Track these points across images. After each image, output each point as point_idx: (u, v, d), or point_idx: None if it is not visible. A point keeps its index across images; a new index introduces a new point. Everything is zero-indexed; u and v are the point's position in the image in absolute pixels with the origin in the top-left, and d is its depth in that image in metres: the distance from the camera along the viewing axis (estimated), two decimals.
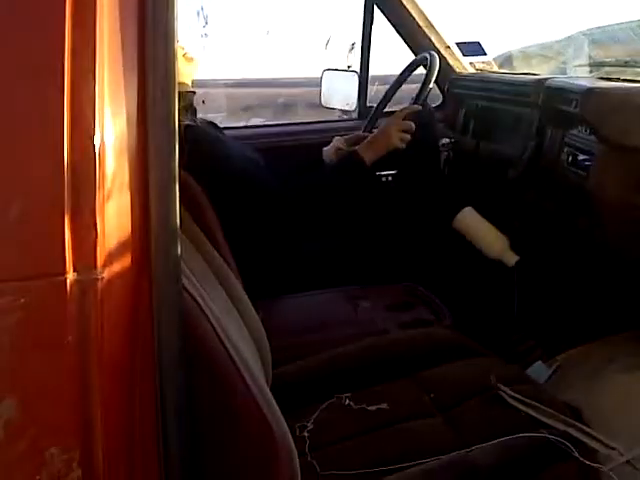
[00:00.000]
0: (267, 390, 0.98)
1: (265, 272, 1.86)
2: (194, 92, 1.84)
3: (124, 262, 0.73)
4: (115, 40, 0.71)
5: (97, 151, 0.69)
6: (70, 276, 0.69)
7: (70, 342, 0.69)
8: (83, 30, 0.69)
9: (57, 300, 0.69)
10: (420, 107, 1.93)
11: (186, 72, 1.82)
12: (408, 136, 1.85)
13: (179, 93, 1.66)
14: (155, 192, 0.75)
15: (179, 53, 1.81)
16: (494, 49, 2.88)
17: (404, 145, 1.84)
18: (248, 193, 1.72)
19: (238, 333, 1.17)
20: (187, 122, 1.70)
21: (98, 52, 0.70)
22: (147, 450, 0.78)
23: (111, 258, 0.71)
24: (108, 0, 0.70)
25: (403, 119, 1.87)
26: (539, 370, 1.66)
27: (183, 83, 1.80)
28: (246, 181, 1.73)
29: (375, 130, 2.02)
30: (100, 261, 0.70)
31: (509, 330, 1.93)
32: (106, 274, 0.71)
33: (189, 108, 1.84)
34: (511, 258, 1.92)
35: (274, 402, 0.99)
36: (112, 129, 0.71)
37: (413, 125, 1.86)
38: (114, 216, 0.72)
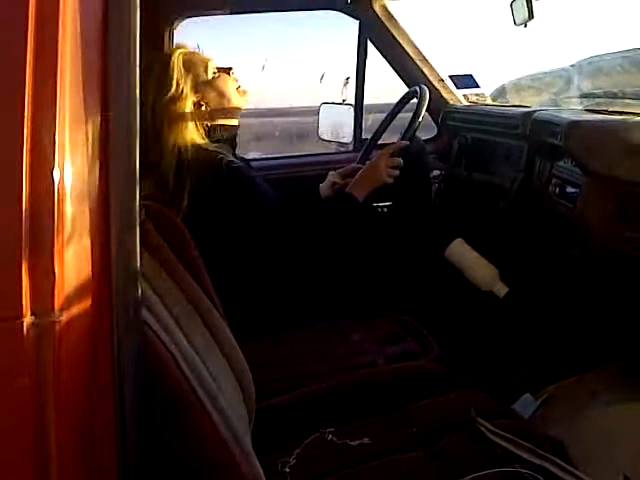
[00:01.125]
0: (239, 429, 0.98)
1: (260, 310, 1.87)
2: (238, 126, 1.91)
3: (83, 305, 0.74)
4: (77, 78, 0.72)
5: (56, 193, 0.70)
6: (27, 319, 0.69)
7: (26, 385, 0.70)
8: (44, 67, 0.69)
9: (14, 343, 0.69)
10: (407, 143, 1.94)
11: (238, 105, 1.88)
12: (396, 172, 1.87)
13: (226, 126, 1.67)
14: (116, 235, 0.75)
15: (233, 86, 1.87)
16: (490, 82, 2.91)
17: (392, 180, 1.86)
18: (272, 239, 1.77)
19: (218, 370, 1.17)
20: (230, 159, 1.75)
21: (59, 91, 0.70)
22: None
23: (70, 301, 0.72)
24: (70, 37, 0.71)
25: (391, 155, 1.88)
26: (527, 403, 1.65)
27: (233, 116, 1.88)
28: (273, 228, 1.77)
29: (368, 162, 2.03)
30: (58, 304, 0.71)
31: (499, 362, 1.92)
32: (64, 317, 0.71)
33: (232, 142, 1.90)
34: (502, 289, 1.92)
35: (246, 441, 0.99)
36: (72, 171, 0.71)
37: (401, 161, 1.88)
38: (73, 259, 0.72)
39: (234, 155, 1.88)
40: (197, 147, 1.75)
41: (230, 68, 1.90)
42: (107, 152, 0.74)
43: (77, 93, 0.72)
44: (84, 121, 0.73)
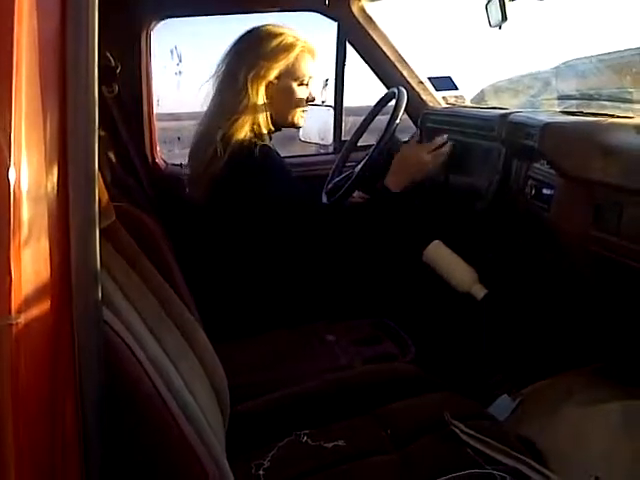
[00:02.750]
0: (209, 434, 0.97)
1: (237, 310, 1.87)
2: None
3: (42, 307, 0.72)
4: (34, 77, 0.71)
5: (12, 195, 0.69)
6: None
7: None
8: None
9: None
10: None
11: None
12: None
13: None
14: (75, 236, 0.74)
15: None
16: (470, 84, 2.91)
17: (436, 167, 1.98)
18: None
19: (191, 372, 1.16)
20: (264, 143, 1.85)
21: (15, 88, 0.69)
22: None
23: (28, 304, 0.71)
24: (27, 34, 0.70)
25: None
26: (504, 404, 1.65)
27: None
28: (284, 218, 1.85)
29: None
30: (15, 307, 0.70)
31: (477, 364, 1.91)
32: (22, 320, 0.70)
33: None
34: (480, 291, 1.91)
35: (216, 444, 0.98)
36: (29, 170, 0.70)
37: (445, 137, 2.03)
38: (31, 261, 0.71)
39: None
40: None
41: None
42: (66, 152, 0.73)
43: (34, 92, 0.71)
44: (42, 120, 0.72)
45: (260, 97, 1.87)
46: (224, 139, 1.81)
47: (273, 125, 1.94)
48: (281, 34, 1.91)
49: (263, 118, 1.89)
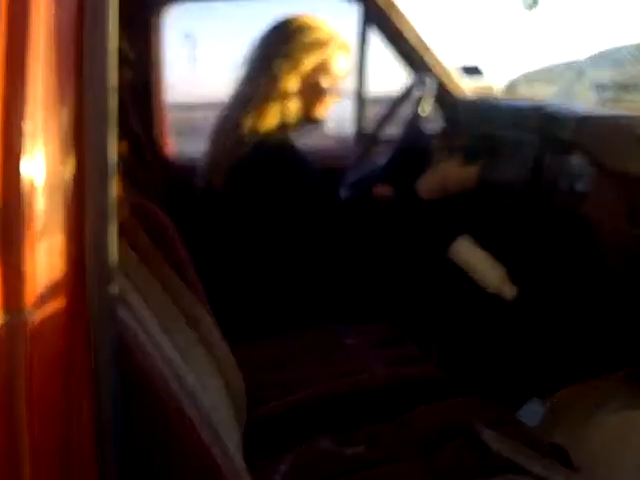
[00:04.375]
0: (224, 436, 0.99)
1: (253, 309, 1.89)
2: None
3: (57, 303, 0.74)
4: (50, 67, 0.72)
5: (27, 186, 0.71)
6: None
7: None
8: (15, 56, 0.70)
9: None
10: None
11: None
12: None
13: None
14: (91, 230, 0.76)
15: None
16: (498, 74, 2.91)
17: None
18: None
19: (203, 374, 1.18)
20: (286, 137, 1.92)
21: (31, 80, 0.71)
22: None
23: (43, 299, 0.73)
24: (43, 21, 0.71)
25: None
26: (533, 410, 1.66)
27: None
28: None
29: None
30: (30, 302, 0.71)
31: (505, 367, 1.92)
32: (37, 315, 0.72)
33: None
34: (509, 290, 1.91)
35: (231, 446, 1.00)
36: (44, 163, 0.72)
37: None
38: (46, 256, 0.73)
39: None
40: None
41: None
42: (82, 143, 0.75)
43: (50, 82, 0.73)
44: (57, 110, 0.73)
45: (291, 88, 1.92)
46: (250, 127, 1.85)
47: (299, 118, 1.97)
48: (318, 28, 1.96)
49: (291, 110, 1.93)
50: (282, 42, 1.94)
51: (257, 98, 1.90)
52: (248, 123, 1.87)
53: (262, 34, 1.99)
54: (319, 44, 1.94)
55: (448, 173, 2.02)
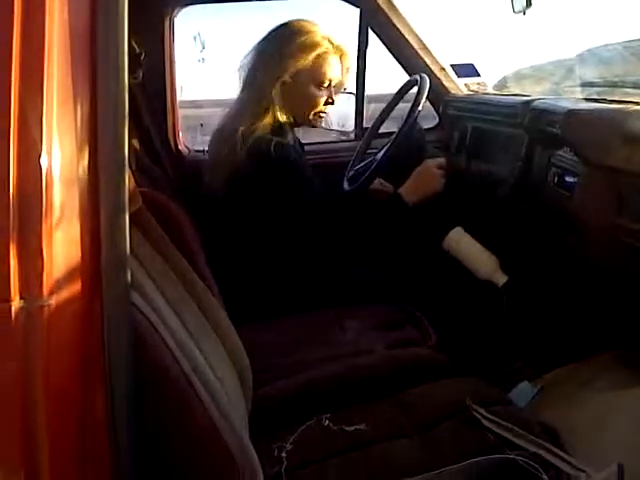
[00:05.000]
0: (233, 415, 0.98)
1: (259, 292, 1.89)
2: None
3: (73, 289, 0.74)
4: (65, 64, 0.72)
5: (44, 178, 0.70)
6: (16, 303, 0.70)
7: (15, 369, 0.70)
8: (31, 53, 0.70)
9: (2, 327, 0.69)
10: (444, 160, 2.02)
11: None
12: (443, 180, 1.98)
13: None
14: (105, 219, 0.75)
15: None
16: (492, 72, 2.90)
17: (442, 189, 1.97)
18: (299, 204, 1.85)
19: (214, 354, 1.17)
20: (279, 139, 1.83)
21: (47, 76, 0.70)
22: (100, 475, 0.78)
23: (59, 285, 0.72)
24: (58, 20, 0.71)
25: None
26: (524, 391, 1.65)
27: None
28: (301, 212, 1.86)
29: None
30: (47, 288, 0.71)
31: (497, 350, 1.91)
32: (54, 301, 0.72)
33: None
34: (501, 278, 1.91)
35: (239, 426, 0.99)
36: (60, 156, 0.72)
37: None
38: (62, 243, 0.72)
39: (293, 139, 2.00)
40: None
41: None
42: (96, 137, 0.74)
43: (66, 81, 0.72)
44: (73, 105, 0.73)
45: (275, 96, 1.86)
46: (243, 134, 1.81)
47: (292, 122, 1.95)
48: (307, 32, 1.88)
49: (281, 116, 1.88)
50: (267, 48, 1.89)
51: (248, 107, 1.86)
52: (241, 132, 1.82)
53: (258, 40, 1.94)
54: (303, 48, 1.86)
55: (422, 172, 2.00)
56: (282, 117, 1.89)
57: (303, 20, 1.93)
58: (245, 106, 1.88)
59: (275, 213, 1.86)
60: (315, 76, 1.91)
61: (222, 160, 1.87)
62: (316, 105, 1.95)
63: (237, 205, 1.88)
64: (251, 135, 1.81)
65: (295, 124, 1.99)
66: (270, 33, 1.93)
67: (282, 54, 1.86)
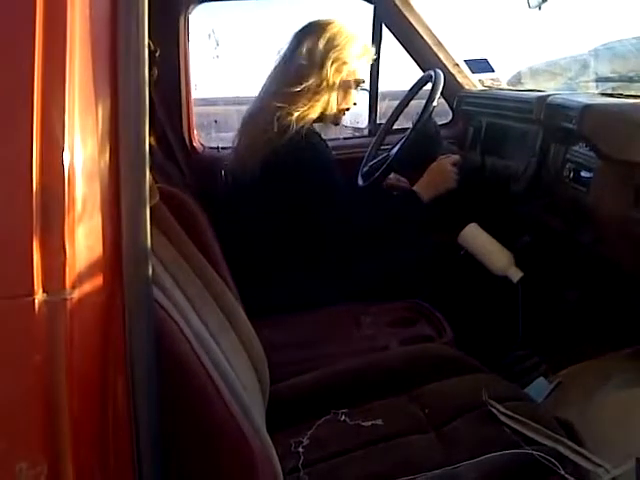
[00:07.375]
0: (252, 408, 0.99)
1: (275, 288, 1.89)
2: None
3: (95, 283, 0.74)
4: (86, 61, 0.73)
5: (67, 173, 0.71)
6: (39, 297, 0.70)
7: (38, 362, 0.70)
8: (54, 50, 0.70)
9: (25, 320, 0.70)
10: (459, 157, 2.05)
11: None
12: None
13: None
14: (126, 214, 0.76)
15: None
16: (507, 67, 2.89)
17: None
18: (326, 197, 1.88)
19: (232, 350, 1.18)
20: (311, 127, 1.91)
21: (69, 73, 0.71)
22: (122, 467, 0.79)
23: (81, 279, 0.73)
24: (79, 20, 0.72)
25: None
26: (540, 386, 1.64)
27: None
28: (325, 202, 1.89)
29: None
30: (70, 282, 0.72)
31: (513, 346, 1.91)
32: (76, 295, 0.72)
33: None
34: (516, 274, 1.91)
35: (259, 420, 1.00)
36: (82, 151, 0.73)
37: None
38: (84, 237, 0.73)
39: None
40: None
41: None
42: (117, 133, 0.75)
43: (87, 75, 0.73)
44: (94, 103, 0.74)
45: (325, 84, 1.91)
46: (283, 118, 1.84)
47: (336, 109, 1.98)
48: (354, 33, 1.98)
49: (321, 104, 1.93)
50: (327, 40, 1.93)
51: (291, 92, 1.89)
52: (280, 115, 1.86)
53: (297, 31, 1.98)
54: (355, 45, 1.95)
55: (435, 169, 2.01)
56: (321, 105, 1.93)
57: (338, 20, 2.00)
58: (286, 89, 1.91)
59: (303, 207, 1.88)
60: (357, 78, 2.00)
61: (257, 143, 1.90)
62: (352, 98, 2.03)
63: (264, 191, 1.90)
64: (290, 119, 1.85)
65: (338, 112, 2.02)
66: (318, 24, 1.97)
67: (341, 46, 1.93)
